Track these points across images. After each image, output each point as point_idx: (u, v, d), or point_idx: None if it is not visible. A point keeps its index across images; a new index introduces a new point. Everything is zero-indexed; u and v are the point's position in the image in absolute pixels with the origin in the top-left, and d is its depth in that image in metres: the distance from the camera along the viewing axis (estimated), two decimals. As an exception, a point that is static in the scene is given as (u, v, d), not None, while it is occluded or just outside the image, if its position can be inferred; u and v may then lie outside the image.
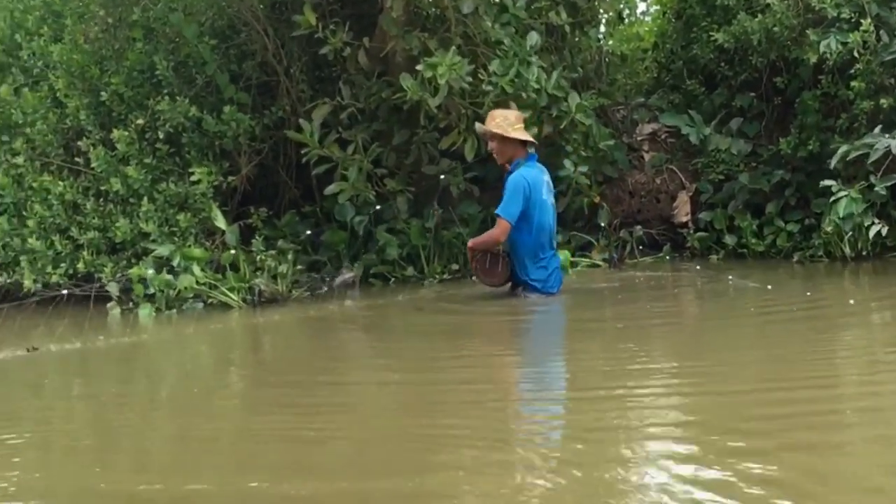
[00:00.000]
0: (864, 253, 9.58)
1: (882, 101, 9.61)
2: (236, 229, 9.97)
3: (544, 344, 7.17)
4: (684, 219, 10.91)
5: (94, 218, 9.92)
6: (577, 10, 10.73)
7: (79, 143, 10.16)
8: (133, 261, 9.73)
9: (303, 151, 9.98)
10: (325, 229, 10.47)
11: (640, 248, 10.86)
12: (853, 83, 9.79)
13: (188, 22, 10.02)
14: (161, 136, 9.90)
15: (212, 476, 3.99)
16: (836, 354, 5.96)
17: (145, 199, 9.74)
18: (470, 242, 8.83)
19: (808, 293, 8.32)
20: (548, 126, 9.91)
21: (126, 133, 9.83)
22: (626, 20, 12.53)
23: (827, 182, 9.55)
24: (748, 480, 3.42)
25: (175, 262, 9.46)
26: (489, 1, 9.50)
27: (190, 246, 9.62)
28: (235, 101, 10.16)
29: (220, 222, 9.83)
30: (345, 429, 4.64)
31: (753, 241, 10.37)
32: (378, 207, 10.16)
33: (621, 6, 12.10)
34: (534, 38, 9.65)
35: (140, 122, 9.94)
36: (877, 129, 9.53)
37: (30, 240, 9.82)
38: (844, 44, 9.70)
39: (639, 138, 11.40)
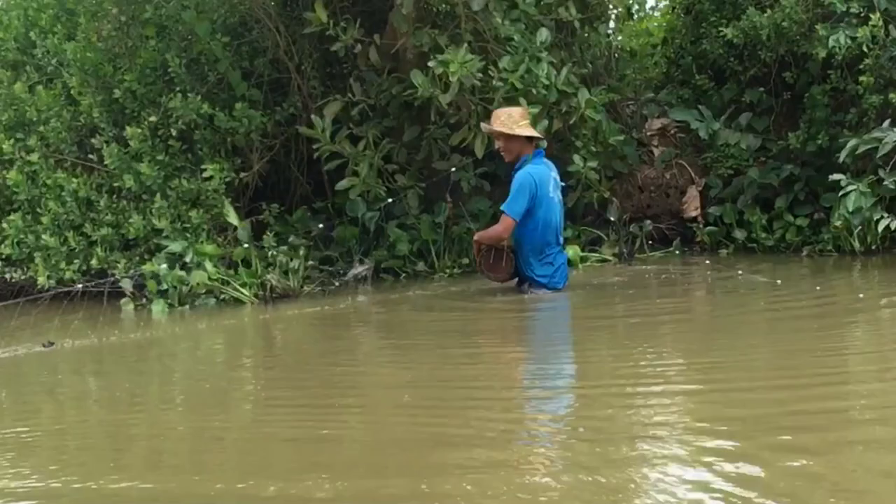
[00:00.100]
0: (873, 247, 9.61)
1: (891, 95, 9.62)
2: (248, 225, 10.03)
3: (554, 341, 7.18)
4: (694, 213, 10.93)
5: (107, 214, 10.00)
6: (586, 5, 10.75)
7: (92, 140, 10.24)
8: (146, 257, 9.81)
9: (314, 147, 10.03)
10: (335, 223, 10.53)
11: (650, 242, 10.88)
12: (862, 78, 9.81)
13: (200, 19, 10.07)
14: (173, 132, 9.96)
15: (224, 476, 4.01)
16: (846, 350, 5.98)
17: (158, 195, 9.81)
18: (476, 235, 8.90)
19: (818, 288, 8.35)
20: (557, 122, 9.93)
21: (139, 130, 9.89)
22: (636, 15, 12.52)
23: (836, 176, 9.57)
24: (760, 481, 3.45)
25: (188, 259, 9.54)
26: (499, -3, 9.55)
27: (202, 242, 9.69)
28: (247, 97, 10.22)
29: (233, 218, 9.89)
30: (356, 429, 4.67)
31: (763, 235, 10.39)
32: (390, 200, 10.20)
33: (630, 2, 12.11)
34: (543, 34, 9.67)
35: (153, 119, 10.00)
36: (886, 124, 9.54)
37: (44, 236, 9.91)
38: (853, 38, 9.71)
39: (648, 133, 11.40)
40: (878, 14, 9.65)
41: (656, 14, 12.66)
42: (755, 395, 4.78)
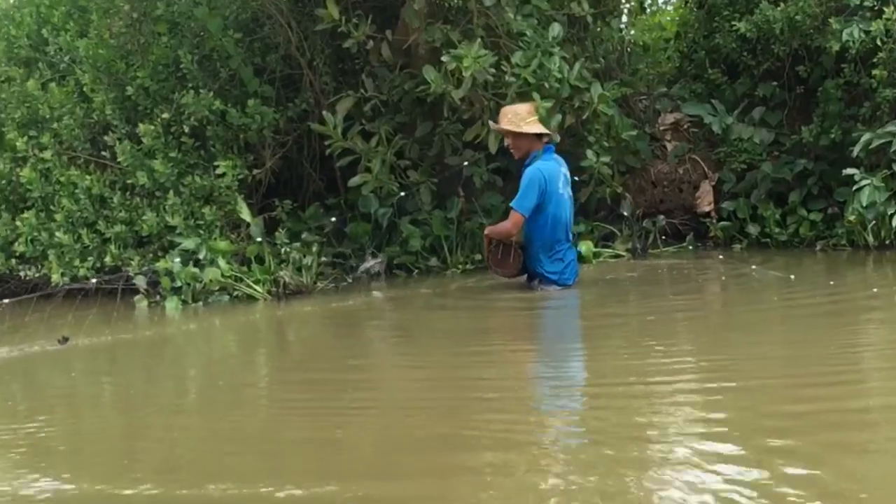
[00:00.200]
0: (886, 241, 9.59)
1: (905, 89, 9.62)
2: (261, 222, 10.04)
3: (565, 339, 7.15)
4: (707, 208, 10.91)
5: (120, 211, 10.01)
6: (598, 0, 10.74)
7: (105, 137, 10.26)
8: (159, 254, 9.83)
9: (326, 144, 10.03)
10: (347, 216, 10.54)
11: (663, 237, 10.86)
12: (875, 71, 9.78)
13: (212, 16, 10.07)
14: (186, 129, 9.97)
15: (237, 478, 4.00)
16: (861, 348, 5.96)
17: (171, 192, 9.83)
18: (486, 230, 8.91)
19: (832, 282, 8.34)
20: (570, 117, 9.92)
21: (152, 127, 9.90)
22: (648, 10, 12.51)
23: (850, 171, 9.55)
24: (775, 480, 3.44)
25: (201, 255, 9.54)
26: (511, -8, 9.54)
27: (215, 239, 9.70)
28: (259, 94, 10.22)
29: (246, 215, 9.90)
30: (369, 430, 4.65)
31: (776, 230, 10.37)
32: (402, 194, 10.20)
33: (643, -5, 12.10)
34: (556, 29, 9.66)
35: (165, 115, 10.01)
36: (900, 118, 9.54)
37: (57, 234, 9.93)
38: (867, 32, 9.69)
39: (661, 128, 11.38)
40: (891, 7, 9.64)
41: (669, 8, 12.65)
42: (768, 394, 4.76)
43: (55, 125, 10.32)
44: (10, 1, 11.75)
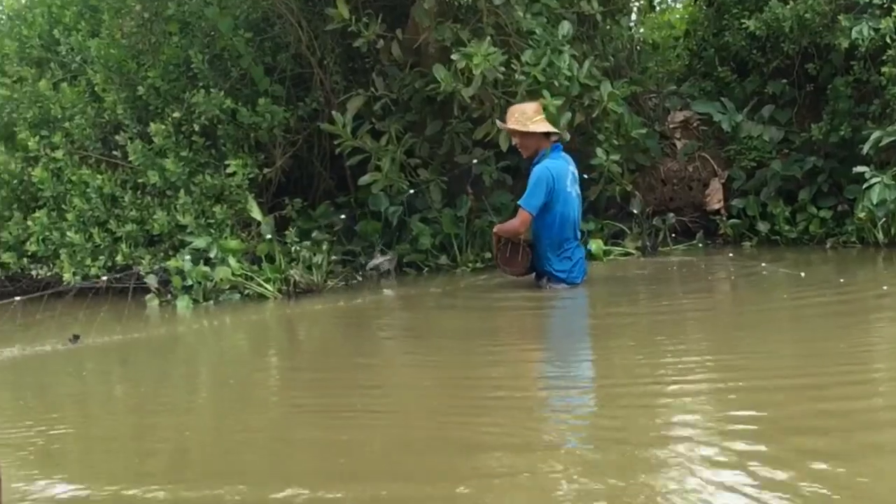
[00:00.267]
0: (896, 238, 9.60)
1: (914, 86, 9.61)
2: (272, 220, 10.06)
3: (577, 339, 7.13)
4: (717, 206, 10.91)
5: (132, 210, 10.05)
6: (608, -2, 10.77)
7: (116, 136, 10.29)
8: (170, 253, 9.86)
9: (336, 143, 10.06)
10: (356, 214, 10.57)
11: (673, 235, 10.87)
12: (885, 69, 9.77)
13: (223, 15, 10.10)
14: (197, 128, 10.00)
15: (248, 481, 4.00)
16: (872, 344, 5.98)
17: (182, 191, 9.86)
18: (494, 228, 8.93)
19: (842, 280, 8.33)
20: (580, 115, 9.93)
21: (163, 126, 9.93)
22: (658, 8, 12.51)
23: (860, 169, 9.54)
24: (789, 482, 3.44)
25: (212, 254, 9.57)
26: (521, -10, 9.55)
27: (226, 238, 9.73)
28: (270, 93, 10.25)
29: (256, 214, 9.93)
30: (379, 432, 4.64)
31: (786, 227, 10.38)
32: (412, 192, 10.23)
33: (652, -6, 12.10)
34: (565, 27, 9.67)
35: (176, 115, 10.03)
36: (909, 115, 9.53)
37: (69, 233, 9.97)
38: (877, 30, 9.67)
39: (671, 126, 11.39)
40: (901, 5, 9.62)
41: (678, 6, 12.66)
42: (780, 395, 4.74)
43: (67, 125, 10.34)
44: (22, 1, 11.79)
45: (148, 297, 9.65)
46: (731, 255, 10.00)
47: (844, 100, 10.27)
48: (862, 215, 9.57)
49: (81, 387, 6.57)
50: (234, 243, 9.67)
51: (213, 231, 9.79)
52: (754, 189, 10.74)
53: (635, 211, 10.79)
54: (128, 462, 4.46)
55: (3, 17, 11.71)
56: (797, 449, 3.81)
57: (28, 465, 4.39)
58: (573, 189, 8.67)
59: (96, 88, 10.43)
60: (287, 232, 9.92)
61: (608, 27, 10.97)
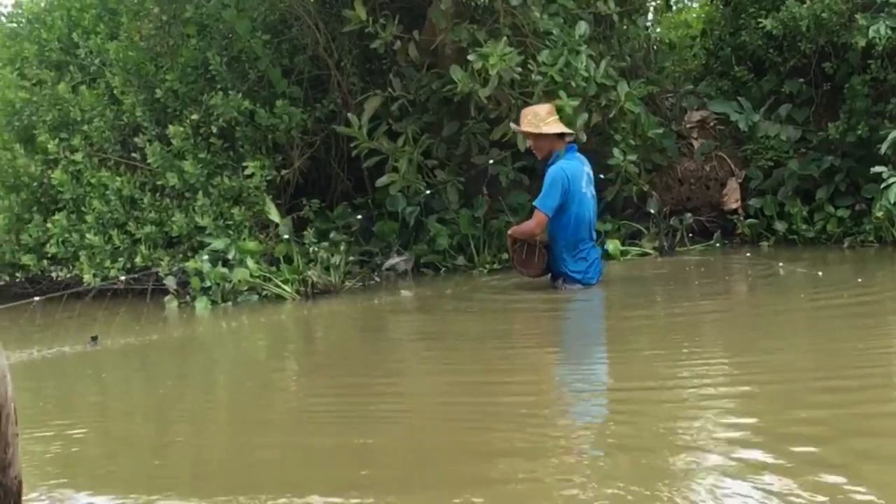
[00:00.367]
0: (914, 238, 9.58)
1: (932, 85, 9.59)
2: (289, 222, 10.12)
3: (594, 342, 7.03)
4: (734, 206, 10.89)
5: (150, 212, 10.12)
6: (624, -2, 10.78)
7: (135, 138, 10.38)
8: (189, 254, 9.92)
9: (352, 145, 10.10)
10: (373, 214, 10.62)
11: (690, 235, 10.86)
12: (902, 68, 9.77)
13: (241, 18, 10.16)
14: (215, 130, 10.07)
15: (265, 489, 4.01)
16: (890, 345, 5.94)
17: (200, 193, 9.92)
18: (510, 230, 8.95)
19: (860, 279, 8.30)
20: (597, 115, 9.94)
21: (181, 128, 10.00)
22: (674, 7, 12.49)
23: (878, 169, 9.50)
24: (807, 489, 3.40)
25: (230, 255, 9.63)
26: (537, -9, 9.56)
27: (244, 239, 9.78)
28: (287, 94, 10.31)
29: (274, 215, 9.98)
30: (396, 438, 4.61)
31: (804, 227, 10.35)
32: (428, 193, 10.26)
33: (669, -7, 12.08)
34: (582, 27, 9.68)
35: (194, 117, 10.10)
36: (927, 114, 9.51)
37: (88, 235, 10.04)
38: (894, 28, 9.63)
39: (688, 126, 11.37)
40: (919, 4, 9.59)
41: (695, 5, 12.64)
42: (797, 399, 4.70)
43: (86, 127, 10.43)
44: (42, 4, 11.86)
45: (167, 298, 9.72)
46: (748, 254, 9.97)
47: (862, 99, 10.25)
48: (879, 214, 9.55)
49: (100, 389, 6.61)
50: (252, 244, 9.73)
51: (231, 232, 9.84)
52: (771, 188, 10.72)
53: (652, 211, 10.79)
54: (145, 467, 4.47)
55: (23, 20, 11.77)
56: (816, 456, 3.78)
57: (46, 471, 4.39)
58: (588, 190, 8.68)
59: (115, 91, 10.51)
60: (305, 233, 9.99)
61: (625, 27, 10.98)
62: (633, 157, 10.29)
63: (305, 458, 4.38)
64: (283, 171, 10.34)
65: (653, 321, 7.38)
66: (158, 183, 10.19)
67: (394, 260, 10.16)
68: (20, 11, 11.99)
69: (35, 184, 10.67)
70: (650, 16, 11.91)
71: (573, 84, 9.46)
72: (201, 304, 9.39)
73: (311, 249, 9.83)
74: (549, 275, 8.83)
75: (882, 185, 9.42)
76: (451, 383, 5.75)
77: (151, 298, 9.69)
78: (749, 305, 8.03)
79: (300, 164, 10.51)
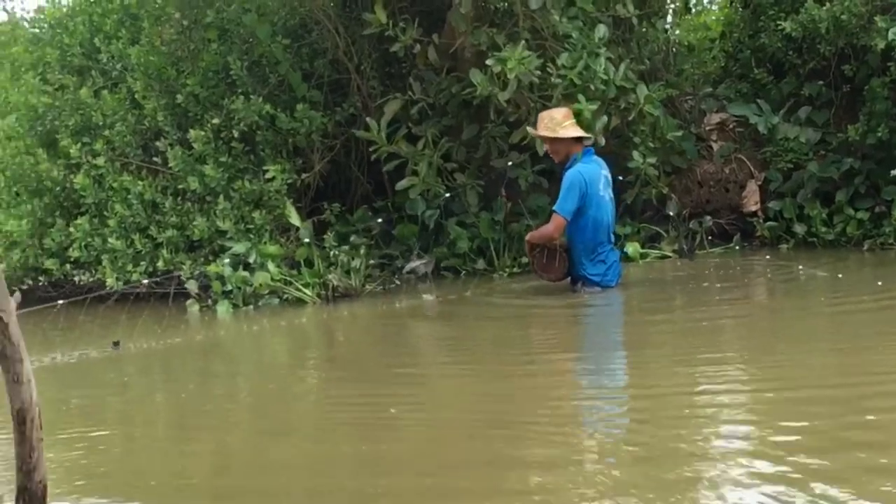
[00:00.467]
0: (935, 240, 9.56)
1: (952, 87, 9.57)
2: (310, 225, 10.15)
3: (614, 349, 7.00)
4: (753, 208, 10.88)
5: (172, 216, 10.19)
6: (644, 1, 10.76)
7: (157, 143, 10.45)
8: (210, 258, 9.97)
9: (371, 149, 10.14)
10: (393, 218, 10.66)
11: (710, 238, 10.84)
12: (922, 70, 9.75)
13: (261, 22, 10.22)
14: (236, 134, 10.13)
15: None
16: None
17: (221, 197, 9.98)
18: (528, 236, 8.97)
19: (880, 282, 8.27)
20: (616, 118, 9.95)
21: (202, 133, 10.07)
22: (693, 10, 12.48)
23: (897, 171, 9.52)
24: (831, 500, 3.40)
25: (251, 259, 9.68)
26: (556, -6, 9.58)
27: (265, 243, 9.83)
28: (308, 98, 10.36)
29: (295, 219, 10.03)
30: (416, 445, 4.62)
31: (823, 229, 10.32)
32: (448, 196, 10.29)
33: (688, -4, 12.07)
34: (601, 30, 9.69)
35: (215, 121, 10.17)
36: (947, 116, 9.48)
37: (111, 239, 10.12)
38: (913, 31, 9.65)
39: (707, 128, 11.36)
40: (938, 6, 9.58)
41: (714, 8, 12.62)
42: (818, 407, 4.66)
43: (108, 132, 10.50)
44: (64, 10, 11.95)
45: (188, 302, 9.78)
46: (767, 257, 9.97)
47: (881, 101, 10.22)
48: (900, 216, 9.55)
49: (123, 394, 6.68)
50: (273, 248, 9.78)
51: (252, 236, 9.89)
52: (791, 191, 10.70)
53: (672, 213, 10.78)
54: (167, 474, 4.50)
55: (45, 25, 11.87)
56: (834, 465, 3.77)
57: (70, 475, 4.44)
58: (606, 193, 8.70)
59: (136, 96, 10.58)
60: (325, 236, 10.03)
61: (644, 30, 10.98)
62: (652, 160, 10.29)
63: (325, 467, 4.39)
64: (304, 175, 10.39)
65: (672, 326, 7.36)
66: (180, 187, 10.25)
67: (414, 263, 10.18)
68: (43, 17, 12.10)
69: (57, 188, 10.75)
70: (669, 18, 11.91)
71: (592, 87, 9.47)
72: (223, 308, 9.45)
73: (331, 253, 9.88)
74: (569, 278, 8.86)
75: (902, 188, 9.43)
76: (470, 392, 5.73)
77: (173, 302, 9.75)
78: (769, 310, 8.01)
79: (320, 167, 10.56)
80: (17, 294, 3.24)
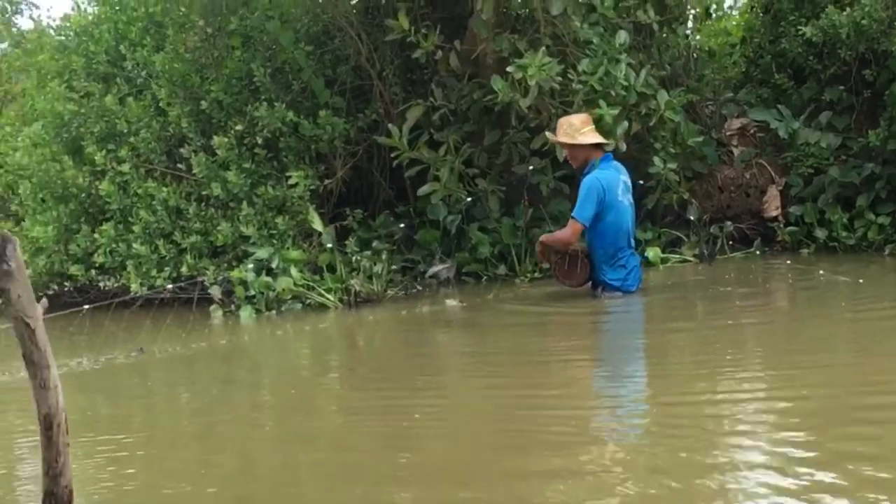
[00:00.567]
0: (956, 245, 9.55)
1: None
2: (332, 231, 10.21)
3: (635, 356, 6.94)
4: (774, 213, 10.89)
5: (196, 222, 10.27)
6: (664, 7, 10.77)
7: (181, 149, 10.54)
8: (234, 263, 10.05)
9: (393, 155, 10.20)
10: (415, 223, 10.72)
11: (731, 243, 10.84)
12: (943, 75, 9.74)
13: (284, 29, 10.30)
14: (259, 141, 10.20)
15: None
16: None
17: (245, 202, 10.05)
18: (542, 237, 9.00)
19: (901, 288, 8.30)
20: (637, 123, 9.98)
21: (226, 139, 10.15)
22: (714, 15, 12.47)
23: (919, 175, 9.51)
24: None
25: (274, 265, 9.75)
26: (578, 1, 9.58)
27: (288, 248, 9.91)
28: (330, 105, 10.43)
29: (317, 224, 10.09)
30: (433, 461, 4.58)
31: (844, 234, 10.32)
32: (470, 201, 10.34)
33: (709, 2, 12.04)
34: (622, 36, 9.74)
35: (239, 128, 10.24)
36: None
37: (135, 245, 10.20)
38: (934, 36, 9.65)
39: (728, 133, 11.37)
40: (959, 11, 9.58)
41: (734, 13, 12.61)
42: (839, 417, 4.63)
43: (132, 139, 10.60)
44: (90, 18, 12.07)
45: (212, 307, 9.85)
46: (788, 262, 9.97)
47: (902, 106, 10.25)
48: (921, 221, 9.55)
49: (148, 399, 6.74)
50: (295, 254, 9.85)
51: (275, 242, 9.96)
52: (812, 196, 10.70)
53: (692, 218, 10.78)
54: (192, 480, 4.51)
55: (71, 33, 11.99)
56: (860, 475, 3.73)
57: (96, 481, 4.47)
58: (625, 198, 8.73)
59: (161, 103, 10.67)
60: (347, 242, 10.09)
61: (664, 36, 11.01)
62: (673, 165, 10.30)
63: (346, 475, 4.38)
64: (326, 181, 10.46)
65: (693, 333, 7.36)
66: (203, 193, 10.33)
67: (436, 268, 10.22)
68: (68, 25, 12.25)
69: (83, 195, 10.86)
70: (690, 24, 11.91)
71: (613, 93, 9.51)
72: (246, 313, 9.53)
73: (353, 258, 9.94)
74: (590, 283, 8.89)
75: (924, 193, 9.43)
76: (491, 403, 5.72)
77: (197, 307, 9.81)
78: (790, 316, 8.02)
79: (343, 173, 10.62)
80: (44, 300, 3.30)
